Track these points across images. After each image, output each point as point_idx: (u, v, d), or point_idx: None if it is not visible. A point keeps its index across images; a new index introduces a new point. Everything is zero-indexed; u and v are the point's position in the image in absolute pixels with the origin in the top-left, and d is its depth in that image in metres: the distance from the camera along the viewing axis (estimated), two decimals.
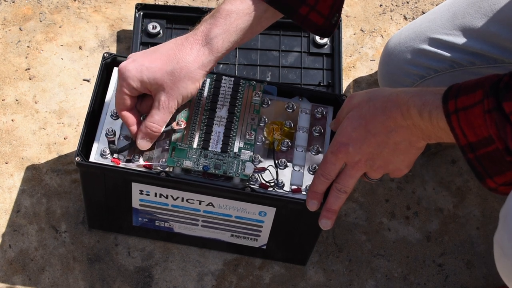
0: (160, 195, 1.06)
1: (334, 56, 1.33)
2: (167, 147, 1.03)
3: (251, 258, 1.22)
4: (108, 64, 1.09)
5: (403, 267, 1.24)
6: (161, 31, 1.33)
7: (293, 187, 1.03)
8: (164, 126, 1.01)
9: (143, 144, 1.01)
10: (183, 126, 1.03)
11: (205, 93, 1.07)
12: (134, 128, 1.02)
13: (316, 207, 0.99)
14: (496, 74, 0.80)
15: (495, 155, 0.80)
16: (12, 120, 1.31)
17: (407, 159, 0.93)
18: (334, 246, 1.25)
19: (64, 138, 1.30)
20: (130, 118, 1.01)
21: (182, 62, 0.97)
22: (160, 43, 1.30)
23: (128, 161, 1.02)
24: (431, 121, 0.84)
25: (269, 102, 1.09)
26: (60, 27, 1.40)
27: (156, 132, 1.01)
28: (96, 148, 1.03)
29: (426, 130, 0.87)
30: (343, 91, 1.35)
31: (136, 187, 1.06)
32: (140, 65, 0.97)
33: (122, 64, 0.99)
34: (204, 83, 1.08)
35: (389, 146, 0.91)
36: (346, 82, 1.39)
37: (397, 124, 0.88)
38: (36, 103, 1.32)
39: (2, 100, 1.32)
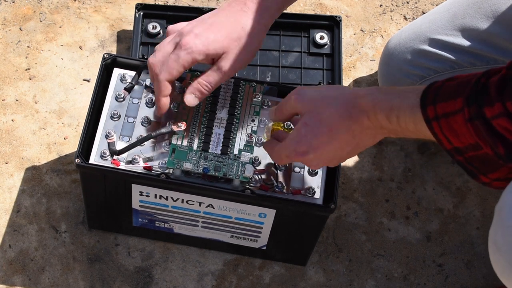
0: (160, 196, 1.06)
1: (334, 56, 1.33)
2: (167, 149, 1.03)
3: (251, 258, 1.22)
4: (108, 64, 1.09)
5: (403, 267, 1.24)
6: (161, 31, 1.33)
7: (293, 189, 1.03)
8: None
9: (190, 99, 1.01)
10: (183, 128, 1.03)
11: None
12: (166, 99, 1.01)
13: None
14: (473, 74, 0.78)
15: (485, 158, 0.79)
16: (12, 120, 1.31)
17: (357, 151, 0.92)
18: (334, 246, 1.25)
19: (64, 138, 1.30)
20: (168, 88, 1.00)
21: (246, 28, 0.99)
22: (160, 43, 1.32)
23: (128, 162, 1.03)
24: (399, 124, 0.84)
25: (270, 104, 1.09)
26: (60, 27, 1.40)
27: (206, 91, 1.00)
28: (96, 150, 1.03)
29: (394, 131, 0.86)
30: None
31: (136, 188, 1.06)
32: (206, 38, 0.98)
33: (187, 40, 0.98)
34: None
35: (351, 145, 0.90)
36: (346, 82, 1.39)
37: (364, 127, 0.88)
38: (36, 103, 1.32)
39: (2, 100, 1.32)
